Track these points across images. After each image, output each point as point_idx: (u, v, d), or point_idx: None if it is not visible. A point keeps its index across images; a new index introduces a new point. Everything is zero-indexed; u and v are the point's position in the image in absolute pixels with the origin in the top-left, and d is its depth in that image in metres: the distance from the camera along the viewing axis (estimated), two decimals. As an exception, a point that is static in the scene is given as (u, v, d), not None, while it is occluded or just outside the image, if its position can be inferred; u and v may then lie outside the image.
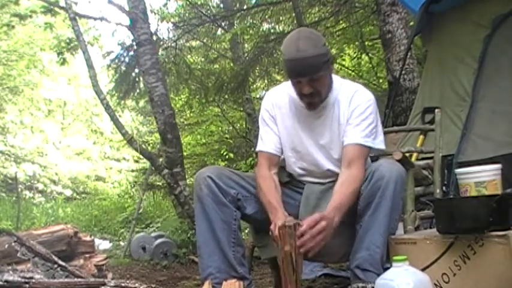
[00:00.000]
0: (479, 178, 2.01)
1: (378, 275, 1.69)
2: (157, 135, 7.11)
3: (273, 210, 1.83)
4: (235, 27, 7.30)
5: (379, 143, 1.91)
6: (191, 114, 9.53)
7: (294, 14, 6.20)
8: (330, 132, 1.91)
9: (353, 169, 1.81)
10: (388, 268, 1.59)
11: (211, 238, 1.86)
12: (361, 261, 1.76)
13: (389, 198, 1.75)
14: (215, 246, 1.86)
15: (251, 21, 7.33)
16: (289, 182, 2.01)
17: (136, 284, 1.74)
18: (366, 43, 7.50)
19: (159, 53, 6.19)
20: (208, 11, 7.48)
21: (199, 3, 7.43)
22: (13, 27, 7.98)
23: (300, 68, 1.78)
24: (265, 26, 7.87)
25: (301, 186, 1.99)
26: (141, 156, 6.21)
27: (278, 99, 1.98)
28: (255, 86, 8.96)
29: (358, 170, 1.81)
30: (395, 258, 1.52)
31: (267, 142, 1.98)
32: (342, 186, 1.78)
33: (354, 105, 1.90)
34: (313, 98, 1.84)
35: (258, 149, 2.00)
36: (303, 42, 1.77)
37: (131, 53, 6.11)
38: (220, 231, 1.86)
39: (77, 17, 4.81)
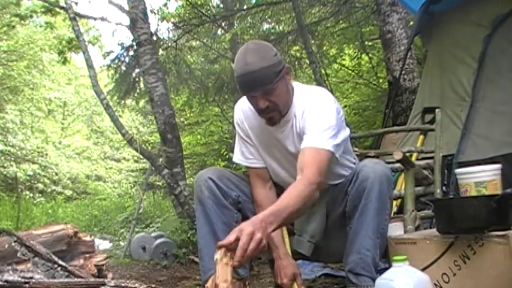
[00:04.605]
0: (479, 178, 2.01)
1: (371, 277, 1.71)
2: (157, 135, 7.11)
3: (274, 248, 1.86)
4: (235, 27, 7.30)
5: (334, 146, 1.72)
6: (191, 114, 9.53)
7: (294, 14, 6.20)
8: (294, 145, 1.84)
9: (304, 174, 1.64)
10: (387, 268, 1.59)
11: (213, 240, 1.84)
12: (353, 265, 1.76)
13: (375, 200, 1.72)
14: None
15: (251, 21, 7.33)
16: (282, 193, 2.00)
17: (136, 284, 1.74)
18: (366, 43, 7.49)
19: (159, 53, 6.19)
20: (208, 11, 7.46)
21: (199, 3, 7.41)
22: (13, 27, 7.98)
23: (250, 82, 1.70)
24: (265, 26, 7.87)
25: None
26: (141, 156, 6.21)
27: (247, 110, 1.89)
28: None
29: (310, 174, 1.64)
30: (395, 258, 1.52)
31: (249, 157, 1.94)
32: (287, 192, 1.60)
33: (306, 119, 1.79)
34: (271, 112, 1.76)
35: (240, 163, 1.96)
36: (250, 56, 1.70)
37: (131, 53, 6.12)
38: (222, 234, 1.84)
39: (77, 17, 4.81)
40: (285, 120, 1.83)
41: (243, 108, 1.91)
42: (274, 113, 1.77)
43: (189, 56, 7.91)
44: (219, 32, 8.03)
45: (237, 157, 1.98)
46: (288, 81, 1.80)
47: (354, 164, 1.94)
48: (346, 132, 1.84)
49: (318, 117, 1.76)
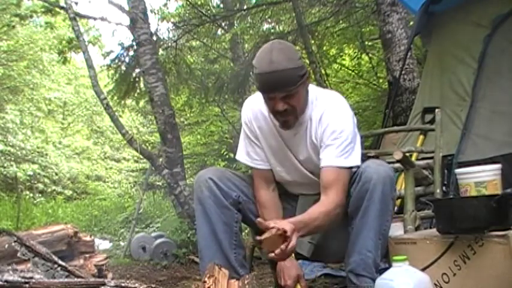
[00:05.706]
0: (479, 178, 2.01)
1: (372, 278, 1.71)
2: (157, 135, 7.11)
3: None
4: (235, 27, 7.31)
5: (353, 160, 1.77)
6: (191, 114, 9.53)
7: (294, 14, 6.21)
8: (306, 150, 1.83)
9: (329, 194, 1.72)
10: (388, 268, 1.59)
11: (213, 241, 1.85)
12: (354, 266, 1.76)
13: (378, 201, 1.72)
14: (217, 249, 1.85)
15: (251, 21, 7.33)
16: (285, 193, 1.99)
17: (136, 284, 1.73)
18: (366, 43, 7.50)
19: (159, 53, 6.19)
20: (208, 11, 7.47)
21: (199, 3, 7.43)
22: (13, 27, 7.98)
23: (273, 82, 1.64)
24: (265, 26, 7.87)
25: (297, 195, 1.98)
26: (141, 156, 6.22)
27: (256, 111, 1.85)
28: (255, 86, 8.94)
29: (335, 194, 1.72)
30: (395, 258, 1.53)
31: (255, 158, 1.91)
32: (315, 207, 1.70)
33: (324, 125, 1.77)
34: (288, 115, 1.72)
35: (245, 163, 1.94)
36: (276, 54, 1.64)
37: (131, 53, 6.12)
38: (222, 234, 1.85)
39: (77, 17, 4.82)
40: (299, 123, 1.80)
41: (253, 109, 1.86)
42: (290, 117, 1.73)
43: (189, 56, 7.91)
44: (219, 32, 8.04)
45: (242, 156, 1.94)
46: (307, 86, 1.76)
47: (358, 165, 1.95)
48: (358, 139, 1.83)
49: (337, 131, 1.75)
